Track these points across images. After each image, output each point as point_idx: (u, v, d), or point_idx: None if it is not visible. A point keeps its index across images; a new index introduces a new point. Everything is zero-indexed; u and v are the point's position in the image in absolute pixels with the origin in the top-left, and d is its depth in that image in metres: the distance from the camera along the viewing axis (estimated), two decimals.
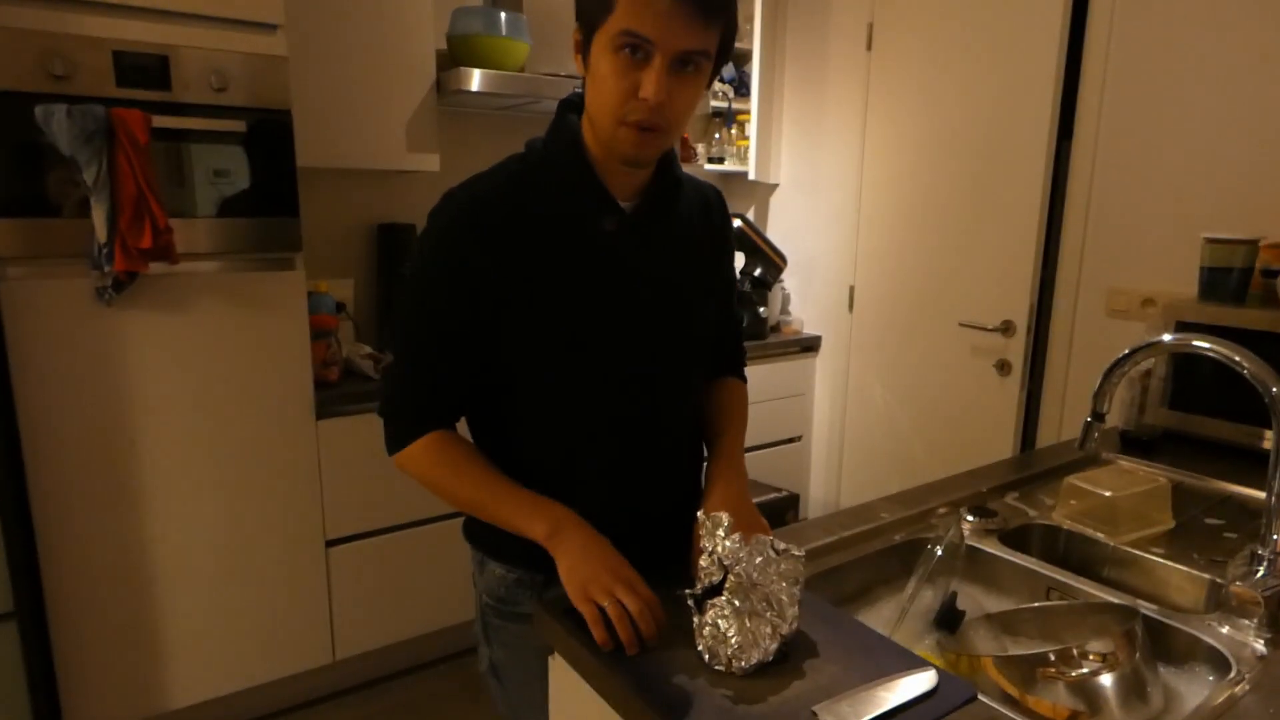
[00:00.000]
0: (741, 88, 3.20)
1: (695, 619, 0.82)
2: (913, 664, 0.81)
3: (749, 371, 1.25)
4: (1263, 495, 1.01)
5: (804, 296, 3.08)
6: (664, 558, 0.98)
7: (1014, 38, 2.25)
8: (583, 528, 0.93)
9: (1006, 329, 2.36)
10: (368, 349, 2.28)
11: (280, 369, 1.98)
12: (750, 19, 2.90)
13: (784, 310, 3.09)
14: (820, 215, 2.95)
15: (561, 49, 2.51)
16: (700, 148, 3.15)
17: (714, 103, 3.12)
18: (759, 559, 0.82)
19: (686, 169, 1.10)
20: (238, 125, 1.83)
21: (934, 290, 2.56)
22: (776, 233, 3.14)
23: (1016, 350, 2.34)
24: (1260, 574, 0.97)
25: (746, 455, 1.13)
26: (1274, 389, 0.95)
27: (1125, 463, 1.52)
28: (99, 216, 1.64)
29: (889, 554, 1.16)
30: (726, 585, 0.81)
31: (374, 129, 2.24)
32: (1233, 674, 0.87)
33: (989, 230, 2.38)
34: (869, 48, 2.67)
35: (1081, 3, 2.13)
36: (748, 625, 0.79)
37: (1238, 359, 0.96)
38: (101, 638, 1.85)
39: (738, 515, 0.93)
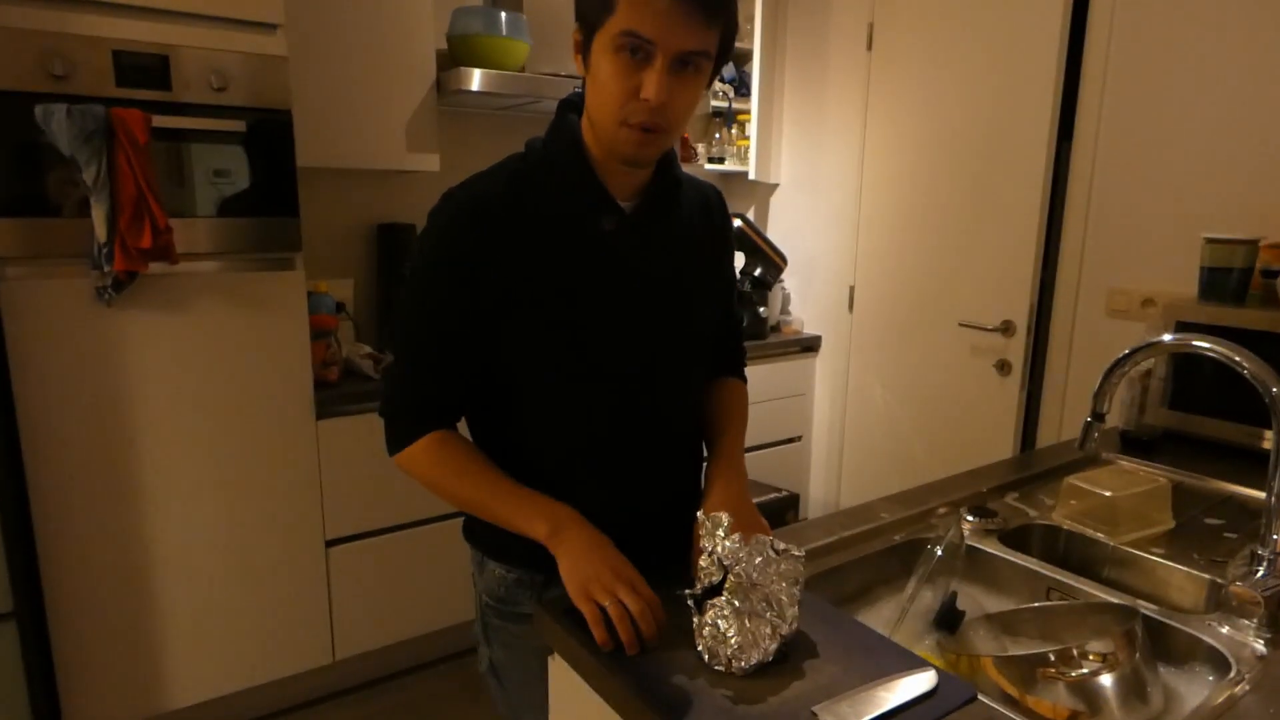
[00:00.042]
0: (741, 88, 3.20)
1: (695, 619, 0.82)
2: (913, 664, 0.81)
3: (749, 371, 1.25)
4: (1263, 495, 1.01)
5: (804, 296, 3.08)
6: (664, 557, 0.98)
7: (1014, 38, 2.25)
8: (584, 527, 0.93)
9: (1006, 329, 2.36)
10: (367, 349, 2.28)
11: (280, 369, 1.98)
12: (750, 19, 2.90)
13: (784, 310, 3.09)
14: (820, 215, 2.95)
15: (561, 49, 2.50)
16: (700, 148, 3.15)
17: (714, 103, 3.12)
18: (759, 559, 0.82)
19: (686, 169, 1.10)
20: (238, 125, 1.83)
21: (934, 290, 2.56)
22: (776, 233, 3.14)
23: (1016, 350, 2.34)
24: (1260, 574, 0.97)
25: (746, 455, 1.13)
26: (1274, 389, 0.95)
27: (1125, 463, 1.52)
28: (99, 216, 1.64)
29: (889, 554, 1.16)
30: (726, 585, 0.81)
31: (374, 129, 2.24)
32: (1233, 674, 0.87)
33: (989, 230, 2.38)
34: (869, 48, 2.67)
35: (1081, 3, 2.13)
36: (747, 625, 0.79)
37: (1238, 359, 0.96)
38: (101, 637, 1.85)
39: (738, 515, 0.93)
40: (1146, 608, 0.98)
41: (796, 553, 0.85)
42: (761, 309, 2.90)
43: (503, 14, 2.33)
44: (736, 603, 0.80)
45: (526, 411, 1.01)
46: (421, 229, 0.98)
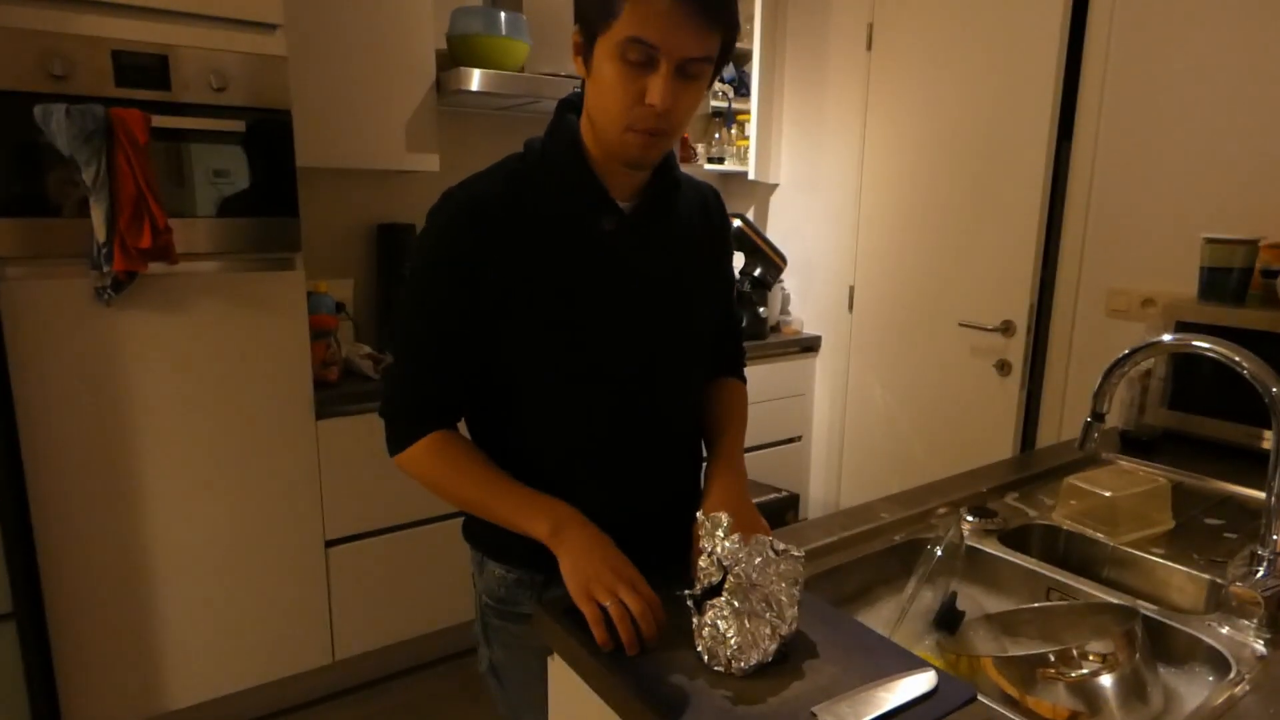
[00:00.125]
0: (741, 88, 3.20)
1: (694, 620, 0.82)
2: (912, 664, 0.81)
3: (749, 371, 1.25)
4: (1263, 495, 1.01)
5: (804, 296, 3.08)
6: (663, 557, 0.98)
7: (1014, 38, 2.25)
8: (585, 526, 0.93)
9: (1006, 329, 2.36)
10: (367, 349, 2.28)
11: (280, 369, 1.98)
12: (750, 19, 2.90)
13: (784, 310, 3.09)
14: (820, 215, 2.95)
15: (561, 49, 2.50)
16: (700, 148, 3.15)
17: (714, 103, 3.12)
18: (758, 559, 0.82)
19: (686, 169, 1.10)
20: (237, 125, 1.83)
21: (934, 290, 2.56)
22: (776, 233, 3.14)
23: (1016, 350, 2.34)
24: (1260, 574, 0.97)
25: (746, 455, 1.13)
26: (1274, 389, 0.95)
27: (1125, 463, 1.52)
28: (98, 216, 1.64)
29: (889, 554, 1.16)
30: (726, 586, 0.81)
31: (374, 129, 2.24)
32: (1232, 674, 0.87)
33: (989, 230, 2.38)
34: (869, 48, 2.67)
35: (1081, 3, 2.13)
36: (747, 626, 0.79)
37: (1238, 359, 0.96)
38: (100, 638, 1.85)
39: (737, 515, 0.93)
40: (1146, 608, 0.98)
41: (796, 553, 0.85)
42: (761, 309, 2.90)
43: (502, 14, 2.33)
44: (736, 603, 0.80)
45: (526, 411, 1.01)
46: (421, 229, 0.98)
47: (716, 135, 3.19)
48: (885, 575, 1.15)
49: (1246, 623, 0.93)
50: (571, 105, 1.00)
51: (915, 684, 0.77)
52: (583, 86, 0.95)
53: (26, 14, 1.59)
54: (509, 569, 1.05)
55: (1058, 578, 1.09)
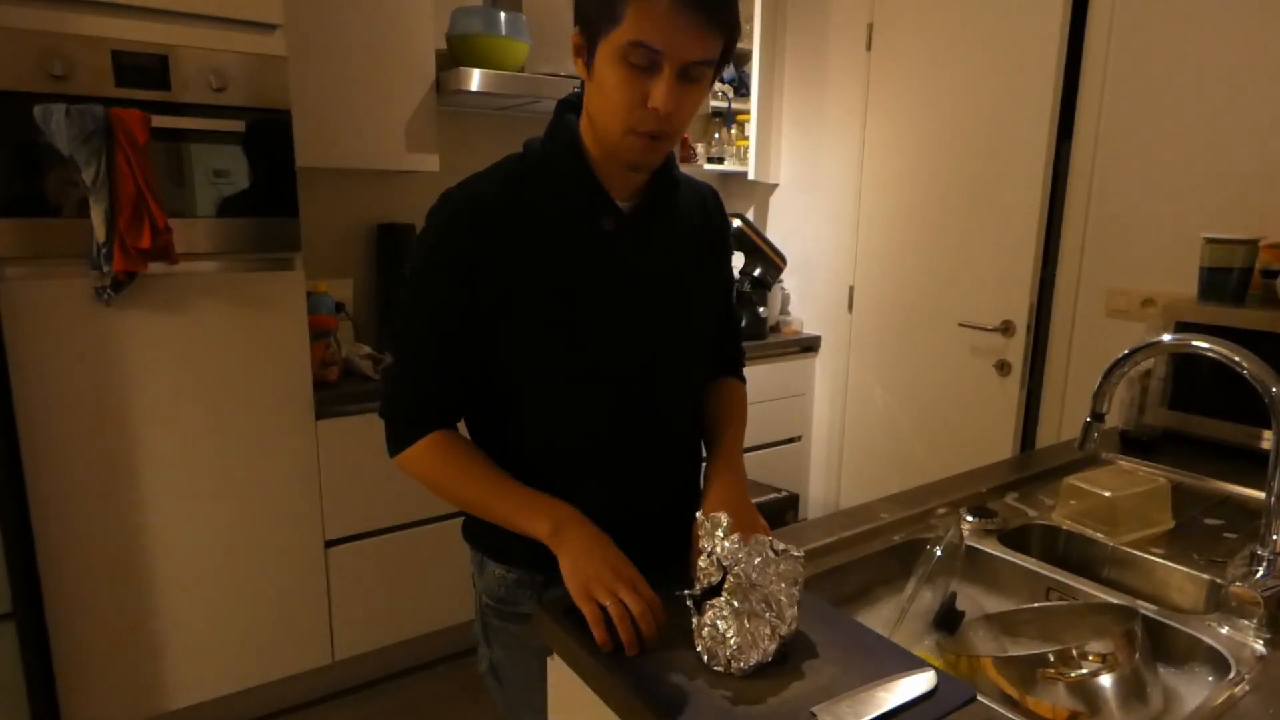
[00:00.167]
0: (741, 88, 3.19)
1: (694, 620, 0.82)
2: (912, 665, 0.81)
3: (749, 371, 1.25)
4: (1262, 495, 1.01)
5: (803, 296, 3.08)
6: (663, 557, 0.98)
7: (1014, 38, 2.25)
8: (586, 526, 0.93)
9: (1006, 329, 2.36)
10: (367, 349, 2.28)
11: (280, 369, 1.98)
12: (750, 19, 2.90)
13: (784, 310, 3.09)
14: (820, 215, 2.95)
15: (561, 49, 2.50)
16: (700, 148, 3.15)
17: (714, 103, 3.12)
18: (758, 559, 0.82)
19: (686, 169, 1.10)
20: (237, 125, 1.83)
21: (934, 290, 2.56)
22: (776, 233, 3.14)
23: (1016, 350, 2.34)
24: (1260, 574, 0.97)
25: (746, 455, 1.13)
26: (1274, 389, 0.95)
27: (1125, 463, 1.52)
28: (98, 216, 1.64)
29: (889, 554, 1.16)
30: (725, 586, 0.81)
31: (374, 129, 2.24)
32: (1232, 674, 0.87)
33: (989, 230, 2.38)
34: (869, 48, 2.67)
35: (1081, 2, 2.13)
36: (747, 626, 0.79)
37: (1237, 359, 0.96)
38: (100, 638, 1.85)
39: (737, 516, 0.93)
40: (1146, 608, 0.98)
41: (796, 553, 0.85)
42: (761, 309, 2.90)
43: (502, 14, 2.33)
44: (736, 603, 0.80)
45: (526, 412, 1.01)
46: (420, 229, 0.98)
47: (716, 135, 3.19)
48: (885, 575, 1.15)
49: (1246, 623, 0.93)
50: (571, 105, 1.00)
51: (915, 684, 0.77)
52: (582, 87, 0.95)
53: (26, 14, 1.59)
54: (509, 569, 1.05)
55: (1057, 578, 1.09)
